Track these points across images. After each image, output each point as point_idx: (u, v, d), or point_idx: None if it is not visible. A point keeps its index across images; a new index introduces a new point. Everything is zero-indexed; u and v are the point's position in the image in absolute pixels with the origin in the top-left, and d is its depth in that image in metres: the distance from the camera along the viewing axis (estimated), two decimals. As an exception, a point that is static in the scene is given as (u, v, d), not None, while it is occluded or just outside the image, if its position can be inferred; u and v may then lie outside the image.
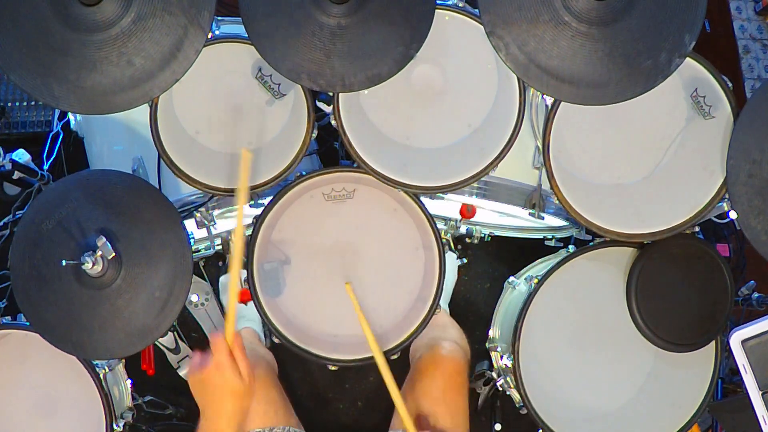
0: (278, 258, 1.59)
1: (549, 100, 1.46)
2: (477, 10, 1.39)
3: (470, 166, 1.52)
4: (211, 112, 1.55)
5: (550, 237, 1.86)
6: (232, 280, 1.23)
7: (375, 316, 1.60)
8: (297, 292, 1.60)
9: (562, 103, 1.43)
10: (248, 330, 1.93)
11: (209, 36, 1.30)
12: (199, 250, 1.85)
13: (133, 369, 1.70)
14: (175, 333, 2.03)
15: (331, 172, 1.57)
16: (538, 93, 1.54)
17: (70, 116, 1.82)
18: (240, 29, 1.37)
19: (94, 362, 1.47)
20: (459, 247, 2.09)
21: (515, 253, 2.11)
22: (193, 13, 1.28)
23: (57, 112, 2.11)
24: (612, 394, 1.63)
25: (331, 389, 2.10)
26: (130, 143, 1.67)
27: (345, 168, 1.57)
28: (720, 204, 1.49)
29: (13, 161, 1.78)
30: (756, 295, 1.80)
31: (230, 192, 1.52)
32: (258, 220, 1.56)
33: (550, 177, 1.48)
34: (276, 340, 1.57)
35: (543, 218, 1.70)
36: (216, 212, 1.67)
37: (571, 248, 1.65)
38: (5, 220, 1.93)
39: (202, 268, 2.08)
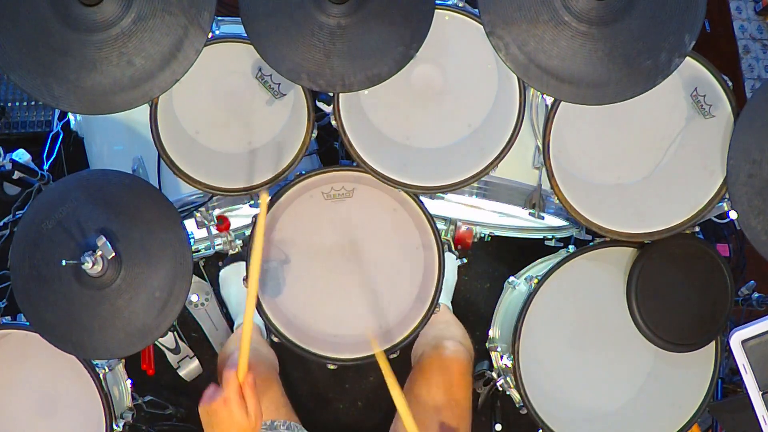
0: (278, 257, 1.59)
1: (549, 100, 1.46)
2: (477, 10, 1.39)
3: (470, 166, 1.52)
4: (211, 112, 1.55)
5: (550, 237, 1.86)
6: (246, 317, 1.23)
7: (374, 316, 1.60)
8: (297, 292, 1.60)
9: (562, 103, 1.43)
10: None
11: (209, 36, 1.30)
12: (199, 250, 1.85)
13: (133, 369, 1.70)
14: (175, 333, 2.03)
15: (330, 171, 1.57)
16: (538, 93, 1.54)
17: (70, 116, 1.82)
18: (240, 29, 1.37)
19: (94, 362, 1.46)
20: (459, 247, 2.09)
21: (515, 253, 2.11)
22: (193, 13, 1.28)
23: (57, 112, 2.11)
24: (612, 394, 1.63)
25: (331, 389, 2.10)
26: (130, 143, 1.67)
27: (344, 167, 1.57)
28: (720, 204, 1.49)
29: (13, 161, 1.78)
30: (756, 295, 1.80)
31: (230, 192, 1.52)
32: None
33: (550, 177, 1.48)
34: (276, 340, 1.57)
35: (543, 218, 1.69)
36: (216, 212, 1.67)
37: (571, 248, 1.65)
38: (5, 220, 1.93)
39: (202, 268, 2.08)
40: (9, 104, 2.19)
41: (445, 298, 2.00)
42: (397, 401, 1.24)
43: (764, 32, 2.67)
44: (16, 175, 1.80)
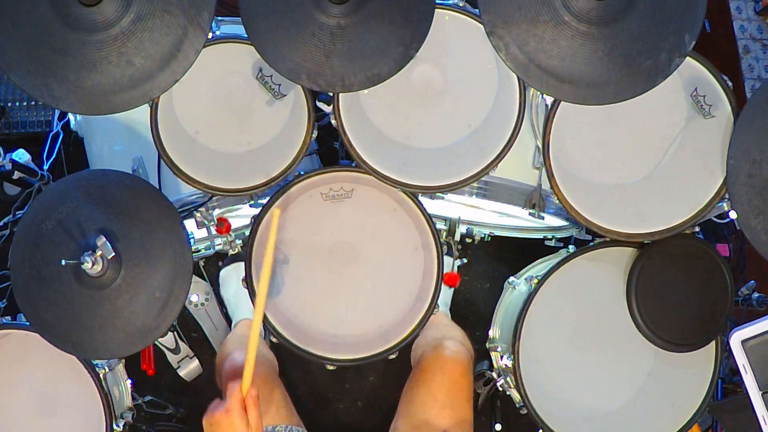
0: (277, 258, 1.59)
1: (549, 100, 1.46)
2: (477, 10, 1.39)
3: (470, 166, 1.52)
4: (211, 112, 1.55)
5: (550, 237, 1.86)
6: (253, 332, 1.25)
7: (374, 316, 1.60)
8: (296, 292, 1.60)
9: (562, 103, 1.43)
10: (247, 322, 1.92)
11: (209, 36, 1.30)
12: (199, 250, 1.85)
13: (133, 369, 1.70)
14: (175, 333, 2.03)
15: (329, 172, 1.57)
16: (538, 93, 1.54)
17: (70, 116, 1.82)
18: (240, 29, 1.37)
19: (94, 362, 1.47)
20: (459, 247, 2.09)
21: (515, 253, 2.11)
22: (193, 13, 1.28)
23: (57, 112, 2.11)
24: (612, 394, 1.63)
25: (331, 389, 2.10)
26: (130, 143, 1.67)
27: (343, 167, 1.57)
28: (720, 204, 1.49)
29: (13, 161, 1.78)
30: (756, 295, 1.80)
31: (230, 192, 1.52)
32: (257, 220, 1.56)
33: (550, 177, 1.48)
34: (275, 340, 1.57)
35: (543, 218, 1.70)
36: (216, 212, 1.68)
37: (571, 248, 1.65)
38: (5, 220, 1.93)
39: (202, 268, 2.08)
40: (9, 104, 2.19)
41: (444, 305, 2.00)
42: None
43: (764, 32, 2.67)
44: (16, 175, 1.80)
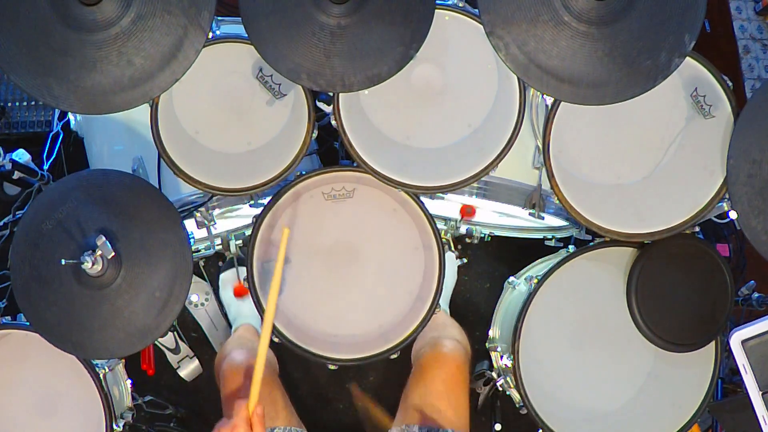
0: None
1: (549, 100, 1.46)
2: (477, 10, 1.39)
3: (470, 166, 1.52)
4: (211, 112, 1.55)
5: (550, 237, 1.86)
6: (260, 352, 1.27)
7: (374, 316, 1.60)
8: (297, 292, 1.60)
9: (562, 102, 1.43)
10: (248, 327, 1.93)
11: (209, 36, 1.30)
12: (199, 250, 1.85)
13: (133, 369, 1.70)
14: (175, 333, 2.03)
15: (331, 172, 1.57)
16: (538, 93, 1.54)
17: (70, 116, 1.82)
18: (240, 29, 1.37)
19: (94, 362, 1.47)
20: (459, 247, 2.09)
21: (515, 253, 2.11)
22: (193, 13, 1.28)
23: (57, 112, 2.11)
24: (612, 394, 1.63)
25: (331, 389, 2.10)
26: (130, 143, 1.67)
27: (345, 167, 1.57)
28: (720, 204, 1.49)
29: (13, 161, 1.78)
30: (756, 295, 1.80)
31: (230, 192, 1.52)
32: (258, 220, 1.56)
33: (550, 177, 1.48)
34: (276, 340, 1.57)
35: (543, 218, 1.70)
36: (216, 212, 1.68)
37: (571, 248, 1.65)
38: (5, 220, 1.93)
39: (202, 268, 2.08)
40: (9, 104, 2.19)
41: (444, 302, 2.00)
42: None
43: (764, 32, 2.67)
44: (16, 175, 1.80)
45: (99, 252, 1.25)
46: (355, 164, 1.52)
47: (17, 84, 1.27)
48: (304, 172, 1.55)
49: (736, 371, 1.34)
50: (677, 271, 1.55)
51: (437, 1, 1.39)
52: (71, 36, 1.26)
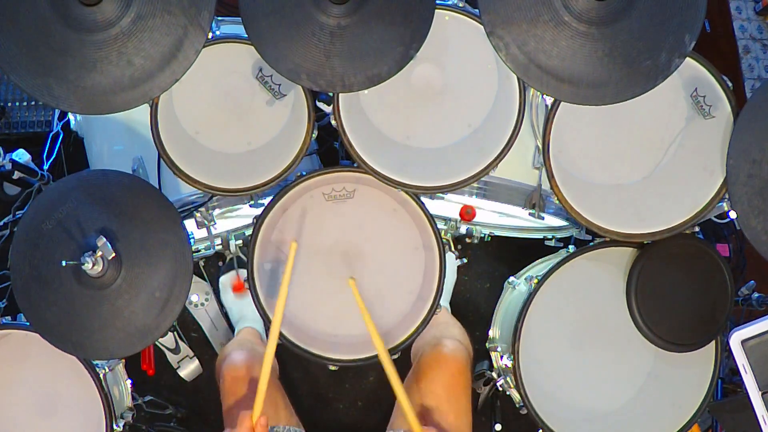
0: (278, 258, 1.59)
1: (549, 100, 1.46)
2: (477, 10, 1.39)
3: (470, 166, 1.52)
4: (211, 112, 1.55)
5: (550, 237, 1.86)
6: (265, 364, 1.29)
7: (375, 316, 1.60)
8: (297, 292, 1.60)
9: (562, 103, 1.43)
10: (250, 330, 1.93)
11: (209, 36, 1.30)
12: (199, 250, 1.85)
13: (133, 369, 1.70)
14: (175, 333, 2.03)
15: (331, 172, 1.57)
16: (538, 93, 1.54)
17: (70, 116, 1.82)
18: (240, 29, 1.37)
19: (94, 362, 1.46)
20: (459, 247, 2.09)
21: (515, 253, 2.11)
22: (193, 13, 1.28)
23: (57, 112, 2.11)
24: (612, 394, 1.63)
25: (331, 389, 2.10)
26: (130, 143, 1.67)
27: (345, 168, 1.57)
28: (720, 204, 1.49)
29: (13, 161, 1.78)
30: (756, 295, 1.80)
31: (230, 192, 1.52)
32: (258, 220, 1.56)
33: (550, 177, 1.48)
34: (276, 340, 1.57)
35: (543, 218, 1.70)
36: (216, 212, 1.68)
37: (571, 248, 1.65)
38: (5, 220, 1.93)
39: (202, 268, 2.08)
40: (9, 104, 2.19)
41: (444, 300, 2.00)
42: (399, 396, 1.32)
43: (764, 32, 2.67)
44: (16, 175, 1.80)
45: (99, 252, 1.25)
46: (355, 164, 1.52)
47: (17, 84, 1.27)
48: (304, 173, 1.55)
49: (736, 371, 1.34)
50: (677, 271, 1.55)
51: (437, 1, 1.39)
52: (71, 36, 1.26)
